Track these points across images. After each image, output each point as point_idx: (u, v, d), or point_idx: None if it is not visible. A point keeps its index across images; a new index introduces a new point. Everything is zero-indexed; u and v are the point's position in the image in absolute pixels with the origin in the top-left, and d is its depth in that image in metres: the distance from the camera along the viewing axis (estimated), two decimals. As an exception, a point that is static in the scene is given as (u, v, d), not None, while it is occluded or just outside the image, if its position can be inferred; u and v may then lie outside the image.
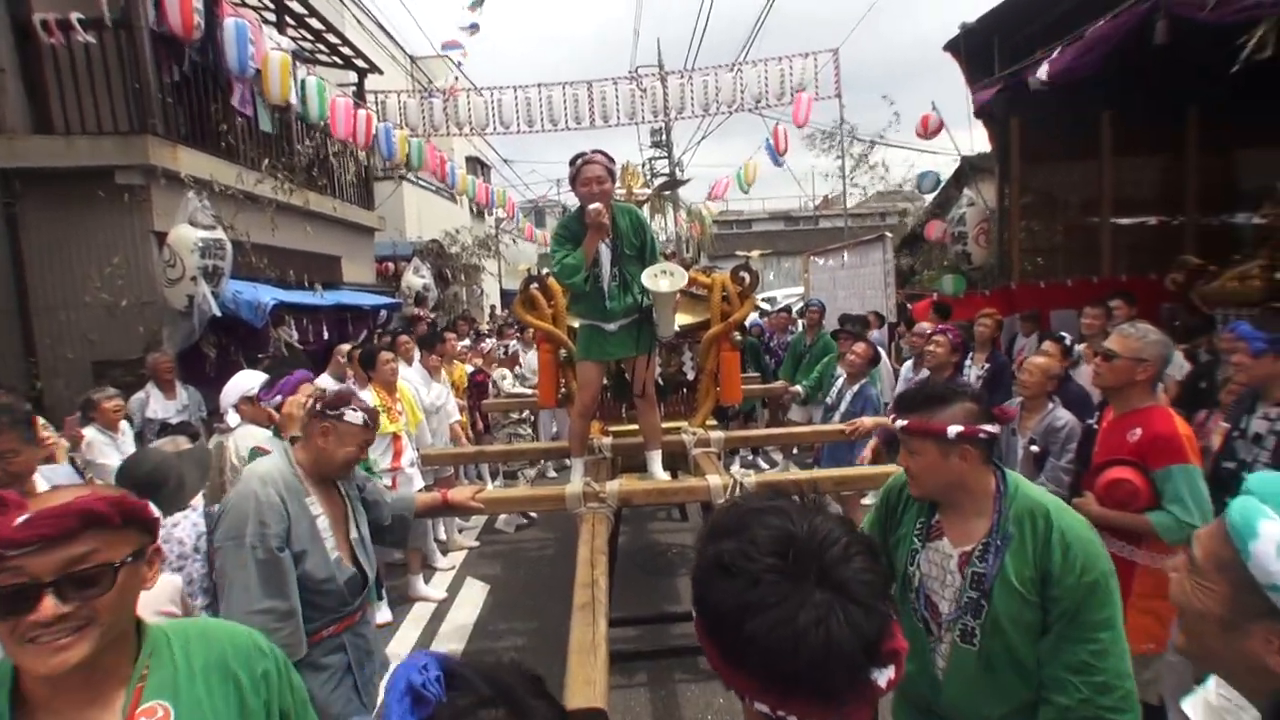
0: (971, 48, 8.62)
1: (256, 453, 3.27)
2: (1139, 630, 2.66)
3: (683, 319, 4.84)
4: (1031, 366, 4.01)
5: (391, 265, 12.76)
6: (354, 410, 2.46)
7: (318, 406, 2.49)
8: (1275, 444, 3.06)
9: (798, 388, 6.84)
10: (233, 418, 4.04)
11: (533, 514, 7.24)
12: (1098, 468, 2.97)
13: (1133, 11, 5.70)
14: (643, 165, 23.58)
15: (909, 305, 9.31)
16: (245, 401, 3.97)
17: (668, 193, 5.83)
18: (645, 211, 5.40)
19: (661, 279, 3.66)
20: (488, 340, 8.58)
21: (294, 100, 7.89)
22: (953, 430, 1.77)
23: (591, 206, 3.51)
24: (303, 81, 8.04)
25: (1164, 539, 2.70)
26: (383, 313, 10.10)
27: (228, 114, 7.76)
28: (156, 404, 5.98)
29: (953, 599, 1.87)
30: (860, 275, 10.03)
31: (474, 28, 12.71)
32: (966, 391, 1.92)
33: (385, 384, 5.19)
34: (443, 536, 6.66)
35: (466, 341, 8.21)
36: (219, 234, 6.41)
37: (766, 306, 23.88)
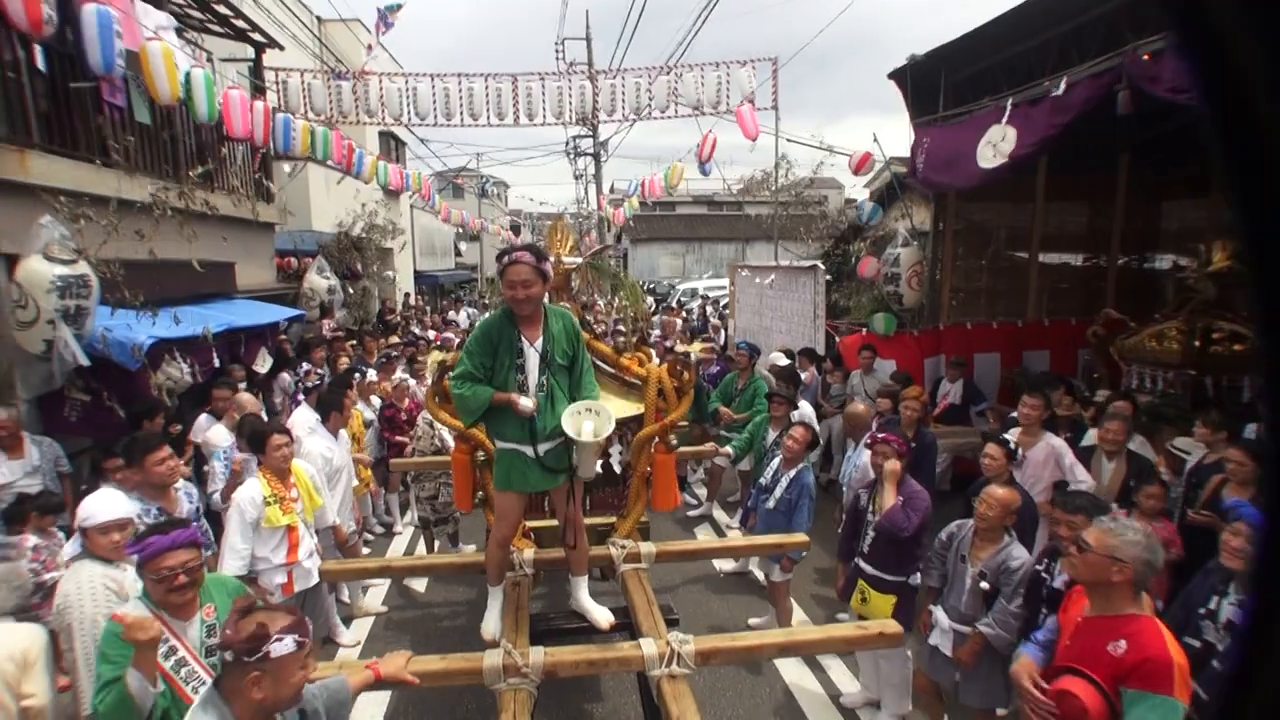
0: (918, 79, 8.39)
1: (112, 635, 2.72)
2: None
3: (616, 409, 4.44)
4: (991, 499, 3.84)
5: (294, 260, 11.74)
6: (279, 640, 2.00)
7: (227, 655, 2.00)
8: None
9: (728, 449, 6.58)
10: (73, 546, 3.43)
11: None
12: (1058, 669, 2.75)
13: (1095, 84, 5.54)
14: (567, 144, 22.84)
15: (837, 338, 9.15)
16: (98, 531, 3.36)
17: (602, 259, 5.36)
18: (576, 279, 4.97)
19: (585, 421, 3.22)
20: (400, 373, 7.90)
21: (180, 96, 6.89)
22: None
23: (523, 403, 3.17)
24: (187, 74, 7.01)
25: None
26: (283, 323, 9.25)
27: (97, 111, 6.72)
28: None
29: None
30: (789, 298, 9.79)
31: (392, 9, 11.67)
32: None
33: (276, 471, 4.60)
34: (346, 598, 6.17)
35: (372, 374, 7.55)
36: (81, 269, 5.46)
37: (686, 301, 23.84)
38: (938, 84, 8.13)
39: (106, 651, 2.72)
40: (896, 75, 8.72)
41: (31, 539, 4.54)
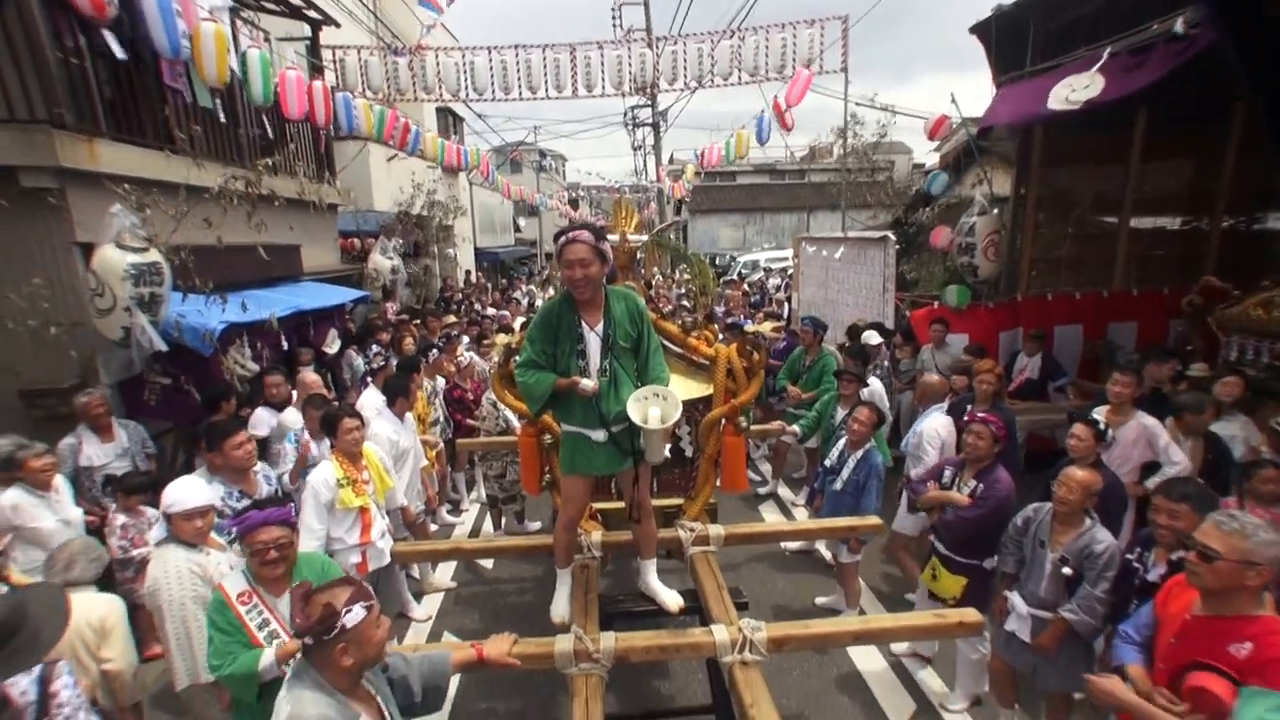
0: (1003, 32, 7.79)
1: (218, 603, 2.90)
2: None
3: (684, 389, 4.35)
4: (1071, 482, 3.63)
5: (357, 241, 11.91)
6: (348, 611, 2.09)
7: (307, 639, 2.09)
8: None
9: (795, 427, 6.45)
10: (159, 530, 3.54)
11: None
12: (1184, 666, 2.53)
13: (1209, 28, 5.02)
14: (626, 114, 22.66)
15: (906, 312, 8.84)
16: (182, 517, 3.46)
17: (665, 236, 5.28)
18: (642, 256, 4.89)
19: (652, 407, 3.14)
20: (464, 352, 7.95)
21: (234, 76, 6.89)
22: None
23: (584, 383, 3.14)
24: (244, 55, 7.03)
25: None
26: (348, 304, 9.41)
27: (161, 95, 6.78)
28: (91, 449, 5.38)
29: None
30: (857, 271, 9.51)
31: None
32: None
33: (348, 454, 4.67)
34: (417, 574, 6.27)
35: (435, 352, 7.60)
36: (153, 256, 5.57)
37: (746, 273, 23.50)
38: (1025, 36, 7.50)
39: (214, 618, 2.93)
40: (979, 29, 8.12)
41: (120, 517, 4.80)
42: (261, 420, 5.91)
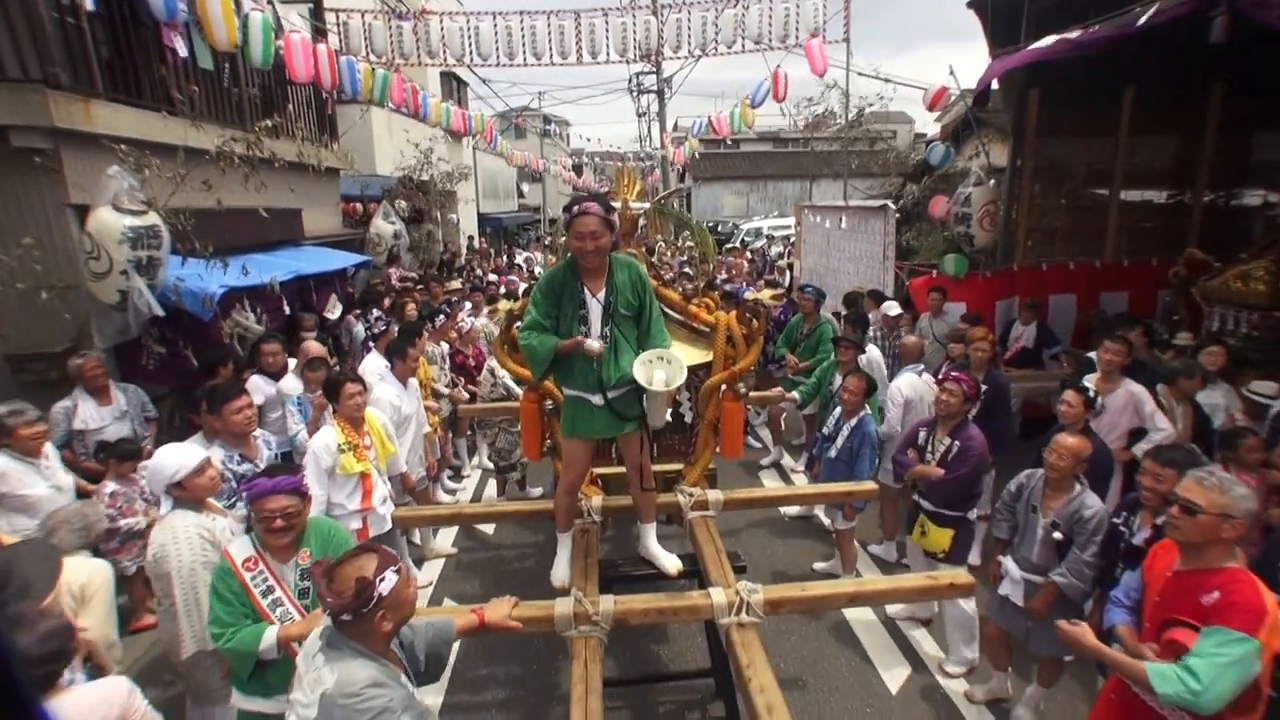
0: (999, 8, 7.83)
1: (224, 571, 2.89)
2: None
3: (684, 356, 4.35)
4: (1062, 449, 3.71)
5: (360, 206, 11.84)
6: (382, 580, 2.10)
7: (345, 616, 2.08)
8: None
9: (794, 394, 6.47)
10: (165, 504, 3.51)
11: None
12: (1164, 622, 2.66)
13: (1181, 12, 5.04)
14: (630, 81, 22.41)
15: (906, 281, 8.86)
16: (176, 487, 3.37)
17: (668, 203, 5.26)
18: (644, 223, 4.88)
19: (657, 370, 3.17)
20: (465, 318, 7.93)
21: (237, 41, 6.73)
22: None
23: (590, 343, 3.14)
24: (245, 17, 6.85)
25: (1154, 687, 2.47)
26: (350, 269, 9.39)
27: (160, 55, 6.67)
28: (87, 412, 5.35)
29: None
30: (858, 239, 9.49)
31: None
32: None
33: (350, 419, 4.68)
34: (418, 540, 6.33)
35: (441, 317, 7.59)
36: (151, 219, 5.51)
37: (749, 239, 23.38)
38: (1020, 13, 7.56)
39: (217, 586, 2.90)
40: (976, 4, 8.21)
41: (110, 485, 4.74)
42: (256, 388, 5.79)
